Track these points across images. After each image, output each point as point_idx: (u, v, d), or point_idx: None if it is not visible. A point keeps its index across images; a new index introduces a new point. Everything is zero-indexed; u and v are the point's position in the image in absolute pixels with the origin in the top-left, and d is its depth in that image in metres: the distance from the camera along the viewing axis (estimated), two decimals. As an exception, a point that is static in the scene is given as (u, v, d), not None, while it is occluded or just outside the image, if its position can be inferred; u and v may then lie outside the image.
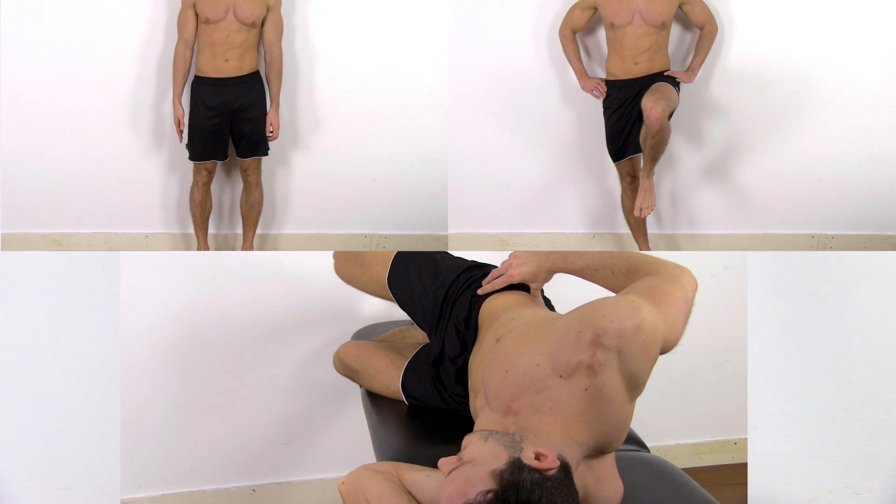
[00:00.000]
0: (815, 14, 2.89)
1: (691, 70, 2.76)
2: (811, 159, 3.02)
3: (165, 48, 2.77)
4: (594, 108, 2.93)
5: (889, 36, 2.91)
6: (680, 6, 2.71)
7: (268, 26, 2.68)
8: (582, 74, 2.80)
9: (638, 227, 2.92)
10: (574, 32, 2.79)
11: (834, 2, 2.89)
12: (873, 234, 3.08)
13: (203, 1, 2.59)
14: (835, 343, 1.81)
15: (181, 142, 2.72)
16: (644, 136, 2.63)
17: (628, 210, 2.89)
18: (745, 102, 2.95)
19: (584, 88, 2.80)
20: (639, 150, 2.73)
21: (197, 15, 2.62)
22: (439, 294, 1.81)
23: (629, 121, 2.72)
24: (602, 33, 2.82)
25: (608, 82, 2.75)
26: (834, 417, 1.80)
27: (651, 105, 2.53)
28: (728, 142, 2.99)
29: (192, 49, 2.65)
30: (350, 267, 2.05)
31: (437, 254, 1.95)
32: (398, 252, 1.94)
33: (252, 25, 2.63)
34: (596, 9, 2.72)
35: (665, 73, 2.71)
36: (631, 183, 2.84)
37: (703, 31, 2.75)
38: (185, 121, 2.69)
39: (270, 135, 2.75)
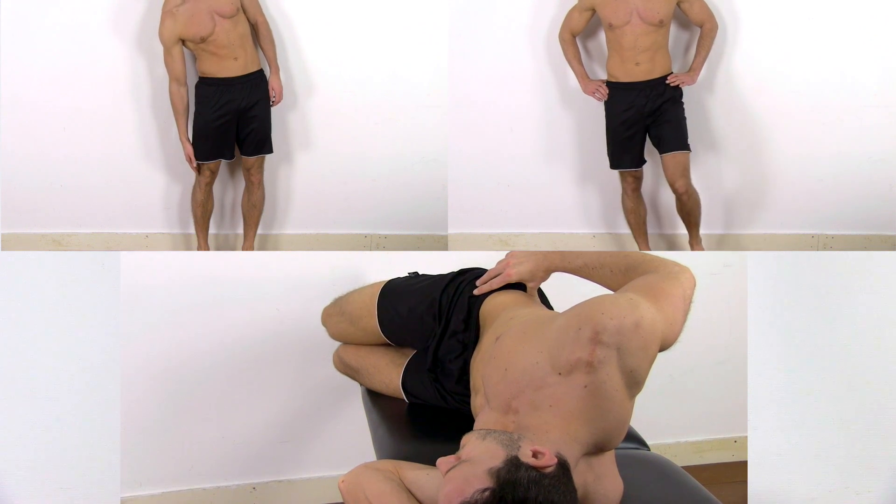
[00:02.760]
0: (815, 14, 2.89)
1: (693, 70, 2.75)
2: (811, 159, 3.02)
3: (166, 48, 2.78)
4: (594, 109, 2.93)
5: (889, 36, 2.91)
6: (678, 4, 2.70)
7: (245, 3, 2.68)
8: (583, 77, 2.79)
9: (639, 228, 2.92)
10: (573, 35, 2.79)
11: (834, 2, 2.89)
12: (873, 234, 3.08)
13: (188, 28, 2.58)
14: (835, 343, 1.81)
15: (198, 175, 2.76)
16: (679, 209, 2.82)
17: (629, 210, 2.89)
18: (744, 103, 2.95)
19: (585, 91, 2.79)
20: (636, 165, 2.78)
21: (184, 43, 2.62)
22: (433, 308, 1.81)
23: (633, 136, 2.74)
24: (603, 35, 2.82)
25: (609, 84, 2.75)
26: (834, 417, 1.80)
27: (675, 179, 2.73)
28: (728, 142, 2.99)
29: (186, 84, 2.66)
30: (342, 328, 2.03)
31: (412, 280, 1.94)
32: (379, 295, 1.92)
33: (237, 13, 2.62)
34: (594, 10, 2.72)
35: (668, 82, 2.69)
36: (632, 184, 2.84)
37: (703, 30, 2.75)
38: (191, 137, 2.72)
39: (273, 100, 2.75)
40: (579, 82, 2.80)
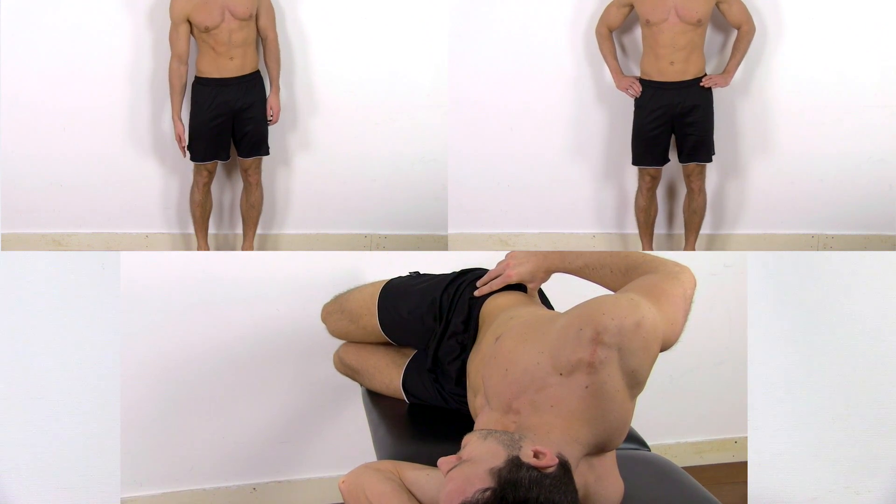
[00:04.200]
0: (815, 14, 2.89)
1: (727, 72, 2.75)
2: (811, 159, 3.02)
3: (166, 46, 2.77)
4: (594, 109, 2.94)
5: (889, 36, 2.91)
6: (717, 4, 2.68)
7: (261, 13, 2.68)
8: (617, 73, 2.78)
9: (646, 227, 2.91)
10: (610, 30, 2.78)
11: (833, 2, 2.89)
12: (873, 234, 3.08)
13: (198, 12, 2.59)
14: (834, 343, 1.81)
15: (184, 157, 2.74)
16: (687, 206, 2.88)
17: (640, 208, 2.89)
18: (744, 103, 2.95)
19: (618, 87, 2.78)
20: (659, 163, 2.78)
21: (191, 27, 2.62)
22: (434, 309, 1.81)
23: (659, 135, 2.74)
24: (635, 32, 2.83)
25: (642, 82, 2.74)
26: (834, 417, 1.80)
27: (691, 175, 2.82)
28: (728, 142, 2.98)
29: (187, 63, 2.66)
30: (342, 326, 2.03)
31: (413, 281, 1.93)
32: (379, 295, 1.92)
33: (249, 18, 2.63)
34: (632, 6, 2.71)
35: (702, 84, 2.70)
36: (648, 183, 2.84)
37: (740, 32, 2.74)
38: (186, 136, 2.70)
39: (271, 119, 2.75)
40: (613, 78, 2.79)
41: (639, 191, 2.88)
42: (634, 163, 2.82)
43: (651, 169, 2.81)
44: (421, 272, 2.00)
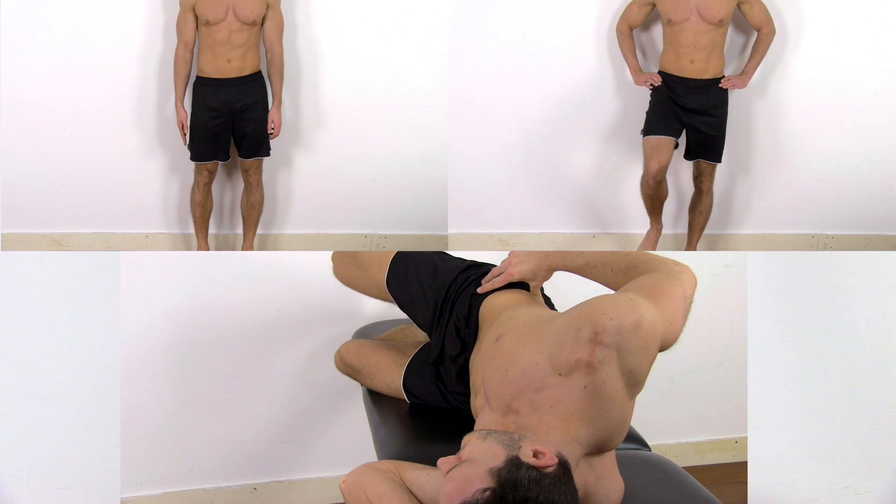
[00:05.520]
0: (815, 14, 2.89)
1: (745, 74, 2.75)
2: (811, 159, 3.02)
3: (166, 48, 2.77)
4: (594, 109, 2.93)
5: (889, 36, 2.91)
6: (738, 5, 2.68)
7: (268, 24, 2.69)
8: (636, 70, 2.77)
9: (653, 209, 2.83)
10: (631, 28, 2.78)
11: (834, 1, 2.89)
12: (873, 234, 3.08)
13: (203, 3, 2.59)
14: (835, 343, 1.81)
15: (185, 144, 2.73)
16: (692, 206, 2.89)
17: (647, 196, 2.81)
18: (744, 103, 2.95)
19: (637, 83, 2.77)
20: (674, 134, 2.71)
21: (196, 17, 2.62)
22: (438, 294, 1.81)
23: (671, 117, 2.71)
24: (647, 33, 2.84)
25: (661, 73, 2.73)
26: (834, 417, 1.80)
27: (701, 174, 2.82)
28: (728, 142, 2.98)
29: (192, 51, 2.66)
30: (349, 270, 2.04)
31: (435, 255, 1.93)
32: (396, 253, 1.93)
33: (252, 24, 2.63)
34: (654, 5, 2.71)
35: (720, 86, 2.69)
36: (656, 172, 2.71)
37: (760, 34, 2.73)
38: (188, 123, 2.70)
39: (271, 133, 2.75)
40: (632, 75, 2.79)
41: (644, 177, 2.76)
42: (645, 133, 2.73)
43: (662, 153, 2.69)
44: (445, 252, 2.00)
